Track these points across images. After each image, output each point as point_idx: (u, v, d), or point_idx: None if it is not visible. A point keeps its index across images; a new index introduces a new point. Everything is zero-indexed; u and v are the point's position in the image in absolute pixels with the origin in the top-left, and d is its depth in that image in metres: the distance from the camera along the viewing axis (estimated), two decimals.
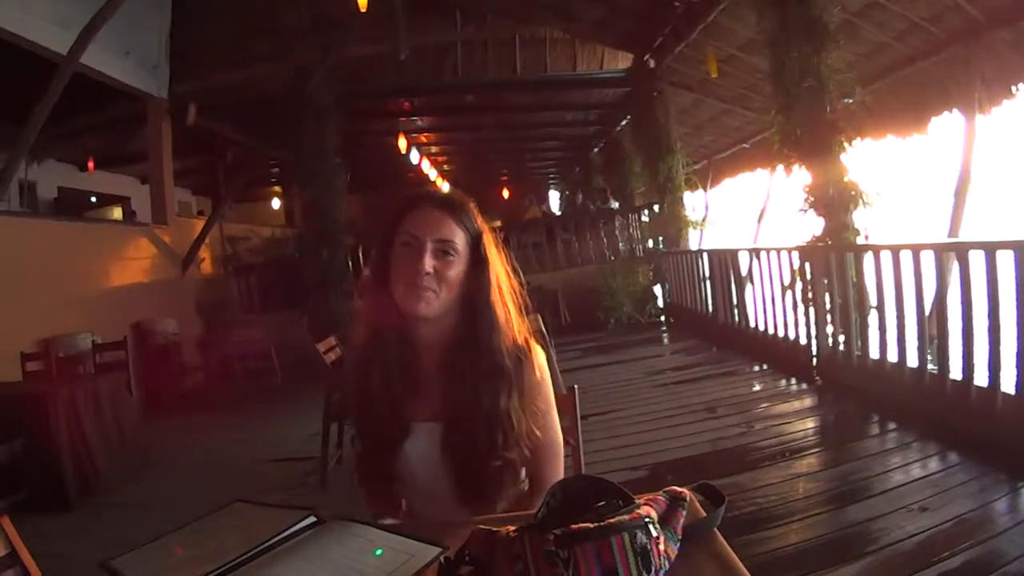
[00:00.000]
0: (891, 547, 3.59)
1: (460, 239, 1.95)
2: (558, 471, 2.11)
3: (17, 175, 9.24)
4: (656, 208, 14.09)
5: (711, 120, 15.61)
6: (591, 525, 1.21)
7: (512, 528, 1.29)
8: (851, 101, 7.56)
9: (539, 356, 2.09)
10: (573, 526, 1.22)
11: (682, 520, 1.36)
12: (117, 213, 18.57)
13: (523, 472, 2.06)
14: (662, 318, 13.62)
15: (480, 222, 2.03)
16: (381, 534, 1.53)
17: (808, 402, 6.81)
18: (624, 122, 17.19)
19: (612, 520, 1.23)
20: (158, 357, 11.09)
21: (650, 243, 14.62)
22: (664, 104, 13.45)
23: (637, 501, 1.34)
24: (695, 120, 15.77)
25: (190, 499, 5.64)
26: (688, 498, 1.42)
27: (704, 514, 1.48)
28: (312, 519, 1.61)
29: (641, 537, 1.20)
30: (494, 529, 1.32)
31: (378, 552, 1.44)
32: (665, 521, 1.31)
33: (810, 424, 6.12)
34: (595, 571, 1.17)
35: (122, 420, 6.99)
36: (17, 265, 8.76)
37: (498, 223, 20.40)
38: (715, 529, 1.44)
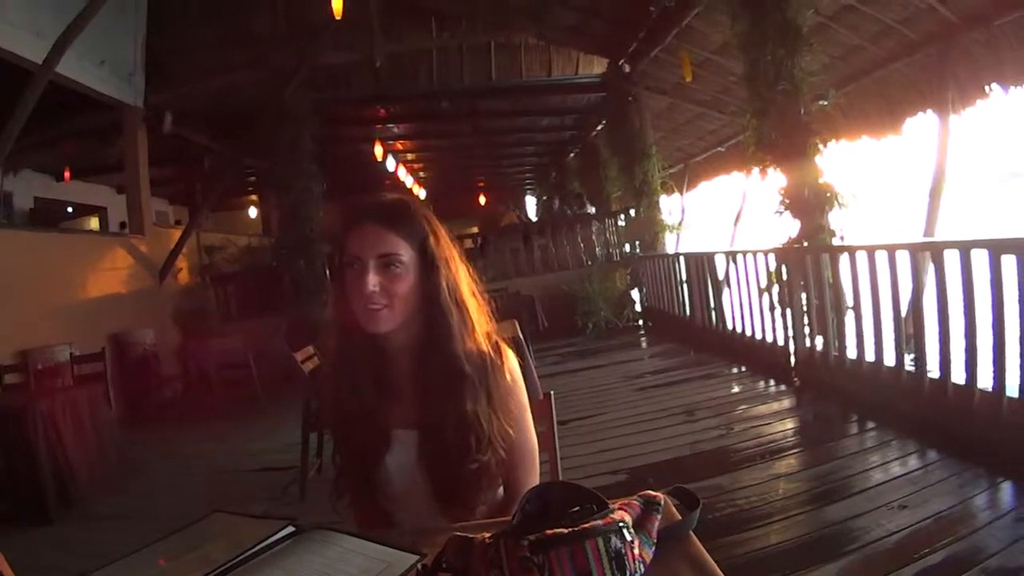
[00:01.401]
0: (871, 545, 3.61)
1: (404, 249, 1.93)
2: (533, 477, 2.11)
3: None
4: (632, 212, 14.17)
5: (687, 124, 15.65)
6: (565, 530, 1.22)
7: (488, 535, 1.30)
8: (825, 103, 7.61)
9: (510, 360, 2.09)
10: (548, 531, 1.22)
11: (657, 524, 1.36)
12: (94, 223, 18.47)
13: (500, 478, 2.05)
14: (640, 322, 13.66)
15: (425, 224, 2.00)
16: (359, 542, 1.53)
17: (787, 403, 6.83)
18: (600, 127, 17.25)
19: (586, 525, 1.23)
20: (136, 367, 11.05)
21: (627, 247, 14.69)
22: (639, 108, 13.57)
23: (611, 506, 1.34)
24: (671, 124, 15.83)
25: (170, 510, 5.64)
26: (663, 502, 1.42)
27: (679, 517, 1.48)
28: (291, 529, 1.60)
29: (615, 541, 1.20)
30: (470, 536, 1.32)
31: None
32: (640, 525, 1.31)
33: (789, 425, 6.15)
34: (569, 574, 1.17)
35: (101, 431, 6.96)
36: None
37: (475, 229, 20.45)
38: (691, 532, 1.44)
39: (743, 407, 6.85)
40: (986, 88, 8.17)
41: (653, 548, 1.32)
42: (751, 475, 4.91)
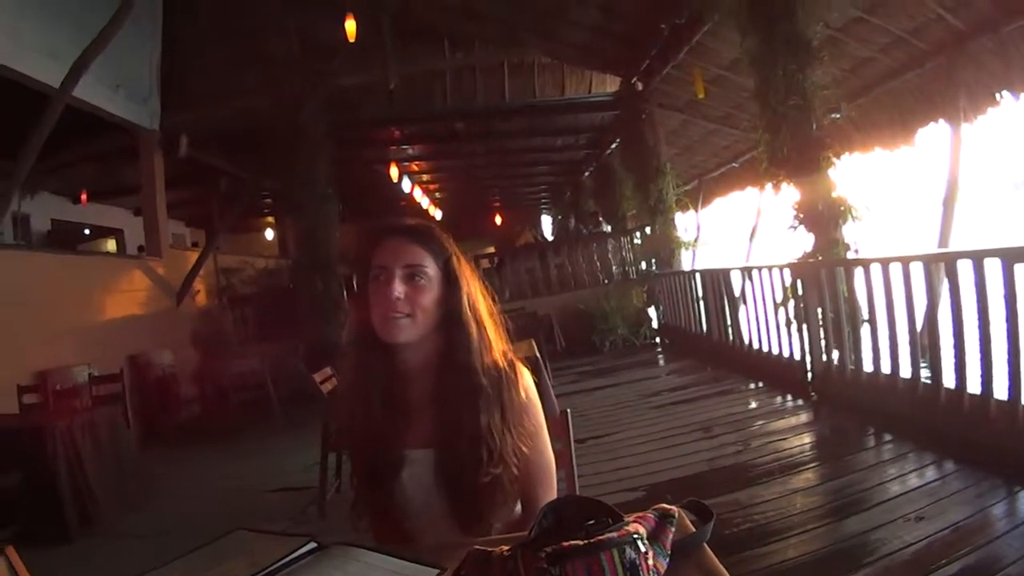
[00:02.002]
0: (888, 557, 3.61)
1: (429, 263, 2.01)
2: (551, 493, 2.14)
3: (11, 208, 9.24)
4: (648, 230, 14.17)
5: (700, 140, 15.67)
6: (581, 542, 1.26)
7: (506, 547, 1.34)
8: (838, 116, 7.63)
9: (525, 378, 2.13)
10: (564, 544, 1.26)
11: (671, 536, 1.39)
12: (111, 245, 18.68)
13: (515, 495, 2.08)
14: (657, 339, 13.62)
15: (449, 246, 2.09)
16: (380, 557, 1.56)
17: (804, 418, 6.82)
18: (614, 145, 17.31)
19: (601, 537, 1.27)
20: (155, 389, 11.12)
21: (643, 265, 14.69)
22: (653, 126, 13.59)
23: (626, 519, 1.38)
24: (684, 140, 15.84)
25: (189, 530, 5.64)
26: (677, 515, 1.45)
27: (693, 530, 1.52)
28: (313, 545, 1.63)
29: (630, 553, 1.24)
30: (489, 549, 1.36)
31: None
32: (654, 537, 1.35)
33: (806, 439, 6.15)
34: None
35: (120, 451, 7.04)
36: (12, 297, 8.79)
37: (491, 249, 20.47)
38: (704, 544, 1.47)
39: (760, 422, 6.86)
40: (997, 96, 8.18)
41: (667, 559, 1.36)
42: (769, 490, 4.91)
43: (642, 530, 1.31)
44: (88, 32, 8.68)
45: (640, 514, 1.42)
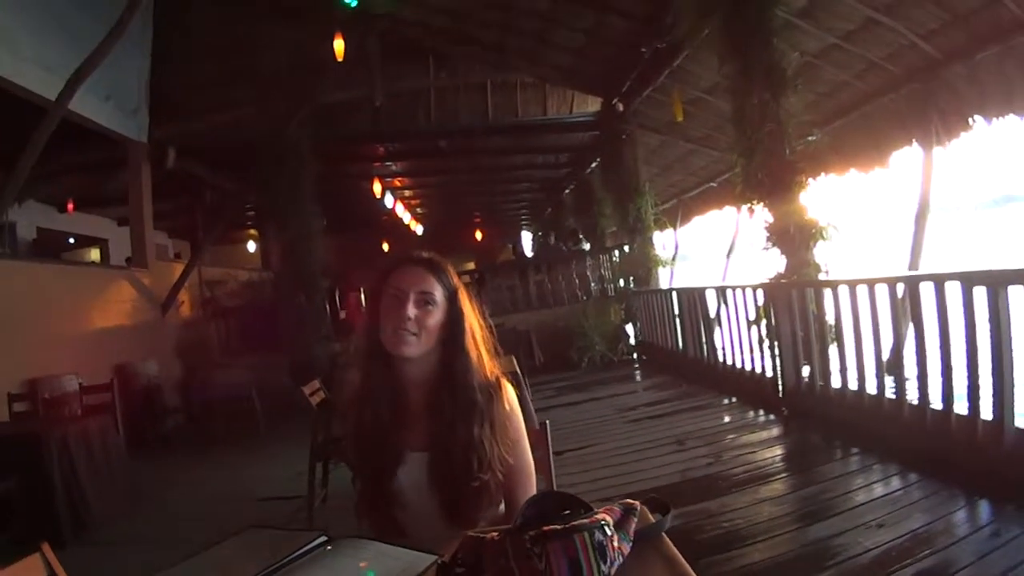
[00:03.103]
0: (849, 561, 3.81)
1: (439, 292, 2.30)
2: (530, 492, 2.38)
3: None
4: (627, 248, 14.32)
5: (679, 160, 15.90)
6: (559, 527, 1.52)
7: (496, 533, 1.60)
8: (812, 139, 7.85)
9: (508, 391, 2.40)
10: (544, 528, 1.52)
11: (633, 525, 1.65)
12: (95, 254, 18.70)
13: (500, 497, 2.33)
14: (634, 356, 13.77)
15: (455, 280, 2.38)
16: (386, 547, 1.80)
17: (774, 431, 7.01)
18: (594, 164, 17.46)
19: (575, 523, 1.53)
20: (140, 398, 11.18)
21: (621, 282, 14.80)
22: (633, 146, 13.78)
23: (595, 510, 1.64)
24: (663, 160, 16.08)
25: (182, 536, 5.79)
26: (638, 508, 1.72)
27: (653, 521, 1.77)
28: (324, 538, 1.84)
29: (599, 535, 1.51)
30: (481, 535, 1.62)
31: (371, 574, 1.70)
32: (619, 526, 1.61)
33: (776, 452, 6.34)
34: (563, 562, 1.46)
35: (112, 459, 7.16)
36: (0, 306, 8.88)
37: (471, 265, 20.57)
38: (663, 533, 1.73)
39: (732, 436, 7.06)
40: (969, 120, 8.38)
41: (630, 543, 1.61)
42: (739, 499, 5.09)
43: (609, 519, 1.58)
44: (81, 44, 8.81)
45: (608, 507, 1.67)
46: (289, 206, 12.71)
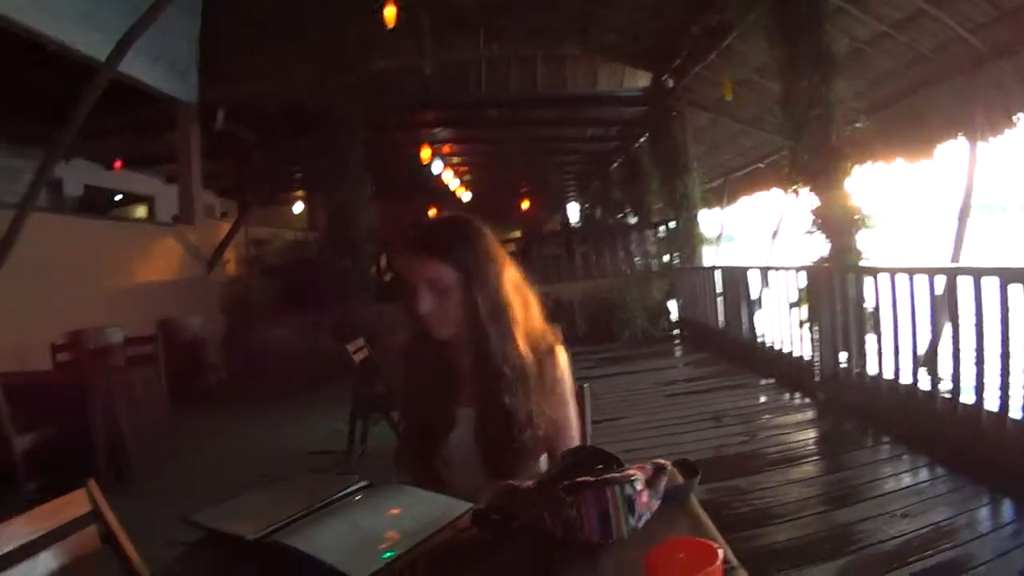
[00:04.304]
0: (871, 547, 3.87)
1: (445, 271, 2.21)
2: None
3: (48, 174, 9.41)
4: (672, 224, 14.36)
5: (727, 139, 15.77)
6: (591, 479, 1.61)
7: (531, 483, 1.70)
8: (859, 126, 7.82)
9: (560, 358, 2.42)
10: (578, 479, 1.61)
11: (663, 483, 1.73)
12: (141, 211, 18.93)
13: (542, 451, 2.38)
14: (675, 332, 13.77)
15: (467, 248, 2.26)
16: (424, 493, 1.90)
17: (809, 415, 7.04)
18: (643, 139, 17.47)
19: (607, 476, 1.62)
20: (184, 353, 11.29)
21: (665, 258, 14.80)
22: (681, 123, 13.76)
23: (628, 466, 1.73)
24: (712, 139, 15.95)
25: (223, 487, 5.92)
26: (669, 467, 1.80)
27: (682, 481, 1.86)
28: (365, 483, 1.96)
29: (628, 489, 1.59)
30: (516, 484, 1.72)
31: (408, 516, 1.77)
32: (650, 483, 1.68)
33: (809, 435, 6.37)
34: (592, 513, 1.55)
35: (155, 411, 7.26)
36: (46, 260, 8.98)
37: (517, 233, 20.59)
38: (691, 494, 1.81)
39: (767, 416, 7.09)
40: (1014, 117, 8.32)
41: (659, 500, 1.69)
42: (769, 479, 5.15)
43: (640, 475, 1.66)
44: (131, 6, 8.82)
45: (639, 464, 1.76)
46: (337, 170, 12.83)
